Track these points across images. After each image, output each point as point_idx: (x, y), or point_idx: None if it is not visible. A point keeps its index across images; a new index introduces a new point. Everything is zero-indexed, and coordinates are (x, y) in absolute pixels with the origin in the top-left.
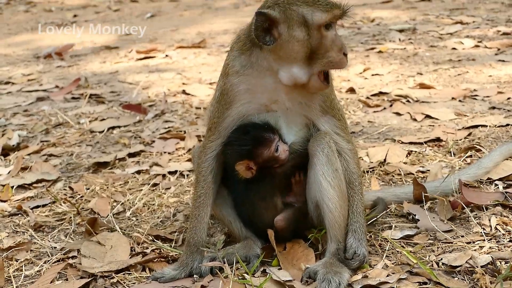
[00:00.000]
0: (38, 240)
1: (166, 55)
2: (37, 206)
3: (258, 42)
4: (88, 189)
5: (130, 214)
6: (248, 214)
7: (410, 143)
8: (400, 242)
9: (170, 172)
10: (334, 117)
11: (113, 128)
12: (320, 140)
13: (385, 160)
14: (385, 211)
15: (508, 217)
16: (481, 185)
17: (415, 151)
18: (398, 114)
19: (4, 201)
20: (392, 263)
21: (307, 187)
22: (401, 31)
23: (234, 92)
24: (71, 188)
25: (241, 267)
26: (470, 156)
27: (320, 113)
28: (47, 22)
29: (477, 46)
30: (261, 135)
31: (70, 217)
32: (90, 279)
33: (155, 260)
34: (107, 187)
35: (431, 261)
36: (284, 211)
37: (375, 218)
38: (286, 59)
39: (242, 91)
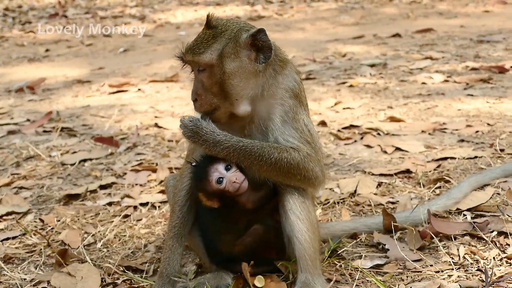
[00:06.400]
0: (7, 272)
1: (139, 89)
2: (7, 238)
3: None
4: (59, 221)
5: (101, 245)
6: (216, 243)
7: (381, 174)
8: (370, 271)
9: (141, 204)
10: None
11: (84, 160)
12: None
13: (355, 191)
14: (355, 241)
15: (476, 246)
16: (450, 216)
17: (385, 183)
18: (368, 146)
19: None
20: None
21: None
22: (372, 66)
23: None
24: (41, 220)
25: None
26: (439, 187)
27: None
28: (19, 56)
29: (446, 80)
30: (199, 168)
31: (41, 249)
32: None
33: None
34: (78, 219)
35: None
36: (253, 229)
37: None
38: None
39: None
